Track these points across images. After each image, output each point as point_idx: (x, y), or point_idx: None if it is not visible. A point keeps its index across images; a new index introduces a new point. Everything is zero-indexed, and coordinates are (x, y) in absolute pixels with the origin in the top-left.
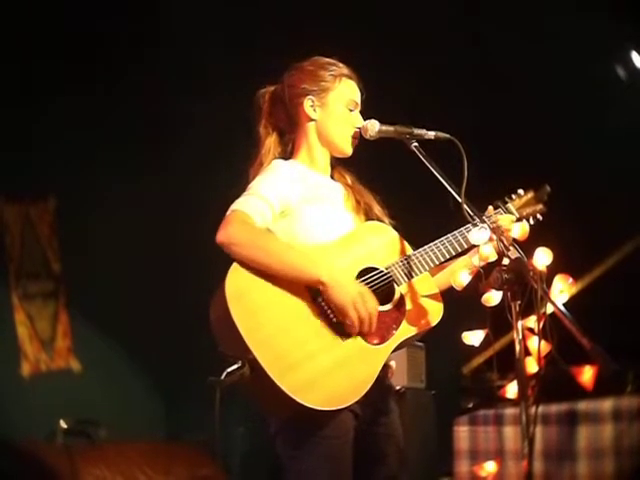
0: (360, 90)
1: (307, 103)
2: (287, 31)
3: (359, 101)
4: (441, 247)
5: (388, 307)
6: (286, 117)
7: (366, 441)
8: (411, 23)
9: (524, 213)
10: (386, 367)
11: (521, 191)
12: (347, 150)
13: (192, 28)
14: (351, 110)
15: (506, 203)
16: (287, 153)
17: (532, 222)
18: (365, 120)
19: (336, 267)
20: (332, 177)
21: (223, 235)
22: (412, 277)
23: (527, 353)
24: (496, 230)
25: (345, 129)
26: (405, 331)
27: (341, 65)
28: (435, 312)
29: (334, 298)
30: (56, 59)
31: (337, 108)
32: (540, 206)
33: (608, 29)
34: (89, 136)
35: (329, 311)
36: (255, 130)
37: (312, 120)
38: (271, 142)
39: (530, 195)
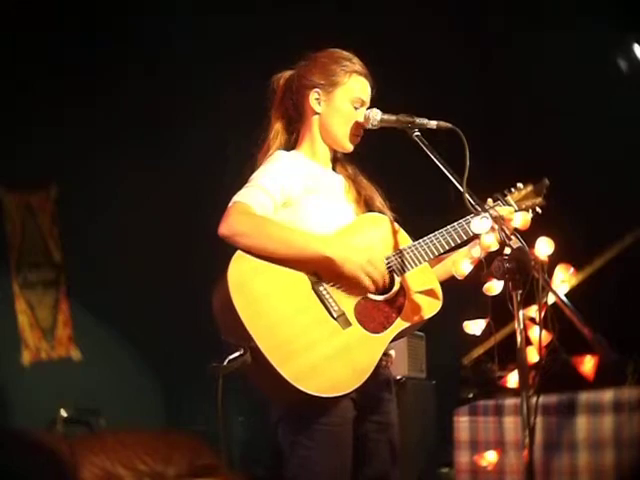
0: (371, 87)
1: (312, 96)
2: (289, 27)
3: (367, 99)
4: (440, 238)
5: (388, 297)
6: (294, 106)
7: (363, 430)
8: (413, 17)
9: (523, 206)
10: (385, 356)
11: (520, 184)
12: (347, 146)
13: (195, 25)
14: (356, 108)
15: (505, 196)
16: (292, 142)
17: (531, 215)
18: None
19: (341, 244)
20: (334, 169)
21: (225, 227)
22: (412, 268)
23: (528, 343)
24: (498, 219)
25: (347, 126)
26: (404, 321)
27: (355, 61)
28: (434, 303)
29: (344, 270)
30: (58, 49)
31: (342, 104)
32: (539, 199)
33: (610, 21)
34: (90, 125)
35: (330, 300)
36: (267, 114)
37: (316, 113)
38: (279, 128)
39: (529, 188)
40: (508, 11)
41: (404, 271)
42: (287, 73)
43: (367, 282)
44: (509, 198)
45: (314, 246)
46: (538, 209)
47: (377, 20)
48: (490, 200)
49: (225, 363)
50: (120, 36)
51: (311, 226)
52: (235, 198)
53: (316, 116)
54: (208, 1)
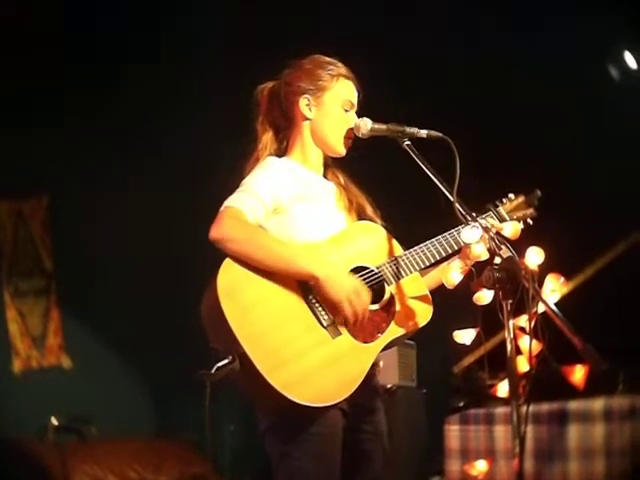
0: (357, 90)
1: (303, 102)
2: (283, 31)
3: (355, 102)
4: (432, 248)
5: (378, 306)
6: (282, 114)
7: (353, 439)
8: (408, 22)
9: (514, 217)
10: (374, 366)
11: (512, 195)
12: (340, 150)
13: (190, 28)
14: (347, 110)
15: (497, 207)
16: (282, 150)
17: (522, 226)
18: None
19: (329, 263)
20: (325, 176)
21: (216, 232)
22: (402, 277)
23: (518, 352)
24: (488, 229)
25: (339, 129)
26: (394, 330)
27: (340, 65)
28: (424, 313)
29: (328, 293)
30: (54, 58)
31: (332, 108)
32: (530, 210)
33: (603, 30)
34: (82, 134)
35: (320, 308)
36: (253, 126)
37: (307, 119)
38: (267, 138)
39: (520, 199)
40: (504, 16)
41: (395, 280)
42: (270, 84)
43: (348, 310)
44: (501, 209)
45: (301, 263)
46: (529, 220)
47: (367, 27)
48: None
49: (213, 371)
50: (116, 46)
51: (302, 233)
52: (227, 203)
53: (307, 122)
54: (198, 6)
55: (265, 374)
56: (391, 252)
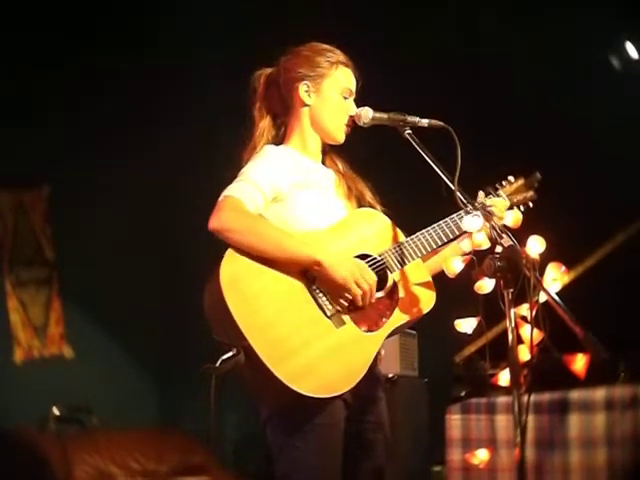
0: (356, 78)
1: (302, 88)
2: (283, 17)
3: (354, 89)
4: (433, 234)
5: (381, 294)
6: (280, 101)
7: (355, 430)
8: (405, 13)
9: (514, 200)
10: (376, 354)
11: (511, 178)
12: (339, 137)
13: (189, 14)
14: (345, 98)
15: (497, 190)
16: (279, 137)
17: (522, 209)
18: (358, 107)
19: (331, 250)
20: (324, 163)
21: (216, 222)
22: (405, 264)
23: (520, 341)
24: (489, 217)
25: (338, 116)
26: (398, 318)
27: (338, 52)
28: (427, 299)
29: (333, 276)
30: (53, 47)
31: (331, 95)
32: (530, 193)
33: (603, 17)
34: (83, 124)
35: (324, 298)
36: (249, 112)
37: (306, 105)
38: (265, 125)
39: (520, 182)
40: (500, 6)
41: (398, 267)
42: (268, 70)
43: (355, 290)
44: (501, 192)
45: (304, 250)
46: (530, 203)
47: (369, 17)
48: (482, 193)
49: (218, 364)
50: (115, 38)
51: (302, 221)
52: (226, 192)
53: (306, 108)
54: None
55: (270, 366)
56: (393, 239)
